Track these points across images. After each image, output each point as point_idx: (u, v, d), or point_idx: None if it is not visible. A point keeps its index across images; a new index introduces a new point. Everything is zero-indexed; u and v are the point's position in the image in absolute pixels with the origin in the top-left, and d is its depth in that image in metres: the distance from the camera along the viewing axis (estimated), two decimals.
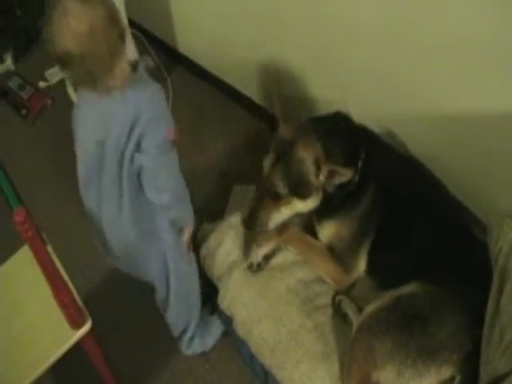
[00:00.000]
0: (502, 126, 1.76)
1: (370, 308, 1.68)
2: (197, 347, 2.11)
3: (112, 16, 1.35)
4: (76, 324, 1.59)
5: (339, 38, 2.04)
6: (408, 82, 1.93)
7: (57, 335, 1.60)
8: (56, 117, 2.85)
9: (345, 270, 1.85)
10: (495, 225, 1.66)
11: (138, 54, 2.75)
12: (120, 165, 1.53)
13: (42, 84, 3.02)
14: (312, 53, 2.22)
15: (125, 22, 2.31)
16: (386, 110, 2.10)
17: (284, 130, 1.81)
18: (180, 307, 1.97)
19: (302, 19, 2.12)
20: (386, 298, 1.67)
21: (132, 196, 1.60)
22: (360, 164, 1.79)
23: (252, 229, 1.85)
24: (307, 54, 2.24)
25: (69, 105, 1.78)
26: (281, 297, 1.86)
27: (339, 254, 1.84)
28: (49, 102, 2.93)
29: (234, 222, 2.06)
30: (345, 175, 1.71)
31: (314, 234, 1.91)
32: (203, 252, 2.03)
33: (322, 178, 1.73)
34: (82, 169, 1.64)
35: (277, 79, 1.86)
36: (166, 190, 1.60)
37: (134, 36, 2.84)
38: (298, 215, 1.88)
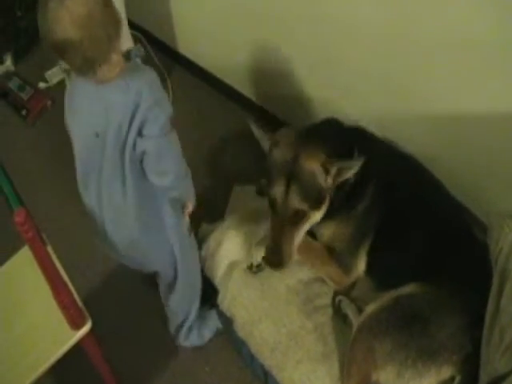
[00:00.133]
0: (502, 126, 1.76)
1: (369, 308, 1.68)
2: (194, 339, 2.12)
3: (106, 0, 1.36)
4: (76, 324, 1.59)
5: (339, 38, 2.04)
6: (408, 82, 1.93)
7: (57, 336, 1.60)
8: (56, 118, 2.80)
9: (344, 270, 1.84)
10: (495, 225, 1.66)
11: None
12: (122, 152, 1.53)
13: (41, 85, 3.02)
14: (311, 53, 2.22)
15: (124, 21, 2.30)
16: (386, 110, 2.10)
17: (278, 152, 1.75)
18: (185, 292, 1.97)
19: (301, 20, 2.12)
20: (386, 298, 1.67)
21: (135, 181, 1.60)
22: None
23: (281, 265, 1.73)
24: (307, 54, 2.24)
25: None
26: (281, 297, 1.86)
27: (339, 255, 1.84)
28: (49, 102, 2.93)
29: (233, 222, 2.06)
30: (353, 167, 1.68)
31: (313, 235, 1.90)
32: (203, 253, 2.03)
33: (330, 180, 1.70)
34: (79, 163, 1.64)
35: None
36: (170, 172, 1.60)
37: (134, 37, 2.84)
38: None
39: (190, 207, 1.80)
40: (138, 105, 1.45)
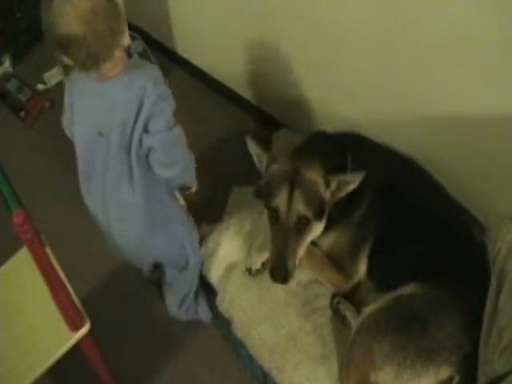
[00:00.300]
0: (502, 128, 1.76)
1: (368, 309, 1.68)
2: (191, 314, 2.18)
3: None
4: (75, 326, 1.59)
5: (337, 39, 2.04)
6: (406, 84, 1.94)
7: (55, 337, 1.61)
8: (54, 119, 2.79)
9: (345, 276, 1.84)
10: (493, 226, 1.66)
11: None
12: (128, 150, 1.54)
13: (40, 86, 3.02)
14: (310, 54, 2.22)
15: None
16: (385, 112, 2.10)
17: (278, 167, 1.75)
18: (193, 274, 2.02)
19: (300, 20, 2.12)
20: (385, 299, 1.67)
21: (142, 176, 1.61)
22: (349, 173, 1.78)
23: (286, 280, 1.69)
24: (305, 55, 2.25)
25: None
26: (279, 299, 1.86)
27: (339, 262, 1.83)
28: (47, 104, 2.93)
29: (232, 223, 2.06)
30: (353, 182, 1.69)
31: (313, 243, 1.89)
32: (201, 254, 2.03)
33: (329, 193, 1.70)
34: (82, 164, 1.65)
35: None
36: (177, 163, 1.62)
37: (132, 38, 2.84)
38: None
39: (193, 188, 1.84)
40: (142, 101, 1.46)
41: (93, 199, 1.70)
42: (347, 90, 2.19)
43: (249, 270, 1.91)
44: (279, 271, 1.68)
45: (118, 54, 1.44)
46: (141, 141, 1.52)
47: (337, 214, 1.76)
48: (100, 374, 1.91)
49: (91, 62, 1.39)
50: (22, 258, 1.69)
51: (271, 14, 2.22)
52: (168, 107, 1.52)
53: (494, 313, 1.50)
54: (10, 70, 3.09)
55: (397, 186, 1.81)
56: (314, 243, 1.84)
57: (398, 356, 1.55)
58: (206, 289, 2.11)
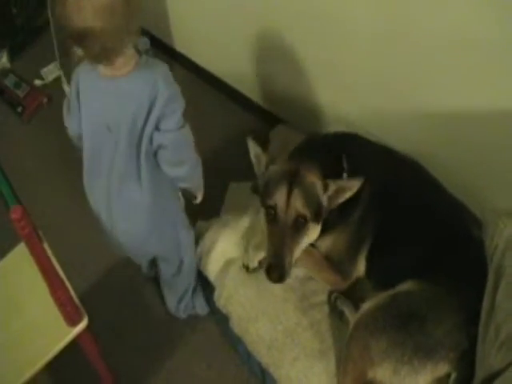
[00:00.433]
0: (499, 124, 1.76)
1: (366, 306, 1.68)
2: (189, 310, 2.20)
3: None
4: (72, 321, 1.59)
5: (336, 35, 2.04)
6: (404, 81, 1.94)
7: (53, 332, 1.61)
8: (52, 115, 2.83)
9: (343, 277, 1.85)
10: (491, 222, 1.66)
11: None
12: (137, 146, 1.54)
13: (37, 82, 3.01)
14: (310, 52, 2.22)
15: None
16: (383, 109, 2.10)
17: (276, 167, 1.76)
18: (190, 269, 2.03)
19: (300, 17, 2.11)
20: (383, 296, 1.67)
21: (150, 174, 1.61)
22: (345, 176, 1.78)
23: (282, 279, 1.67)
24: (304, 52, 2.24)
25: None
26: (277, 294, 1.86)
27: (337, 264, 1.84)
28: (45, 99, 2.92)
29: (229, 219, 2.06)
30: (350, 189, 1.69)
31: (311, 244, 1.89)
32: (199, 249, 2.03)
33: (326, 197, 1.70)
34: (87, 159, 1.64)
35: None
36: (185, 162, 1.62)
37: None
38: None
39: (199, 197, 1.84)
40: (154, 100, 1.46)
41: (96, 196, 1.69)
42: (346, 86, 2.19)
43: (246, 268, 1.91)
44: (275, 270, 1.67)
45: (131, 50, 1.43)
46: (151, 139, 1.52)
47: (335, 216, 1.76)
48: (98, 370, 1.91)
49: (104, 55, 1.38)
50: (20, 254, 1.69)
51: (271, 11, 2.22)
52: (178, 108, 1.52)
53: (491, 309, 1.50)
54: (8, 65, 3.09)
55: (394, 186, 1.81)
56: (312, 245, 1.84)
57: (395, 353, 1.56)
58: (203, 283, 2.12)
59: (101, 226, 1.77)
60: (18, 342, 1.61)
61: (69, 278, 1.63)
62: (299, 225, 1.69)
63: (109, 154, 1.57)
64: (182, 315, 2.20)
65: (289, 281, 1.85)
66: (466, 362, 1.53)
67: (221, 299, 1.96)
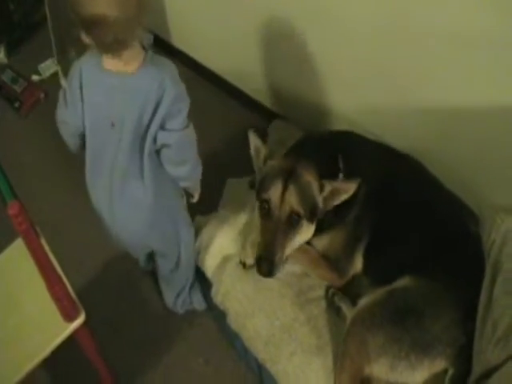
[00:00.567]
0: (496, 120, 1.76)
1: (363, 302, 1.68)
2: (187, 305, 2.21)
3: None
4: (69, 317, 1.59)
5: (336, 32, 2.03)
6: (402, 76, 1.93)
7: (50, 328, 1.61)
8: (49, 110, 2.79)
9: (340, 275, 1.85)
10: (488, 218, 1.67)
11: None
12: (141, 144, 1.53)
13: (34, 77, 3.00)
14: (310, 49, 2.21)
15: None
16: (380, 104, 2.10)
17: (274, 162, 1.77)
18: (189, 265, 2.04)
19: (299, 13, 2.11)
20: (380, 291, 1.67)
21: (153, 172, 1.60)
22: (341, 176, 1.78)
23: (271, 274, 1.68)
24: (305, 49, 2.23)
25: None
26: (274, 290, 1.86)
27: (334, 262, 1.84)
28: (42, 95, 2.91)
29: (227, 215, 2.06)
30: (346, 192, 1.69)
31: (307, 242, 1.87)
32: (197, 244, 2.03)
33: (321, 198, 1.71)
34: (89, 155, 1.63)
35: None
36: (188, 162, 1.63)
37: None
38: None
39: (196, 197, 1.85)
40: (160, 98, 1.45)
41: (98, 194, 1.69)
42: (342, 81, 2.18)
43: (243, 264, 1.91)
44: (265, 263, 1.67)
45: (138, 44, 1.43)
46: (155, 137, 1.52)
47: (331, 215, 1.77)
48: (95, 365, 1.91)
49: (115, 45, 1.37)
50: (17, 250, 1.69)
51: (270, 7, 2.21)
52: (184, 107, 1.52)
53: (488, 304, 1.50)
54: (5, 61, 3.08)
55: (391, 184, 1.82)
56: (308, 243, 1.85)
57: (392, 348, 1.56)
58: (200, 279, 2.12)
59: (100, 221, 1.77)
60: (15, 337, 1.61)
61: (66, 274, 1.62)
62: (293, 221, 1.69)
63: (112, 149, 1.56)
64: (180, 310, 2.21)
65: (285, 276, 1.86)
66: (464, 358, 1.54)
67: (218, 295, 1.96)
